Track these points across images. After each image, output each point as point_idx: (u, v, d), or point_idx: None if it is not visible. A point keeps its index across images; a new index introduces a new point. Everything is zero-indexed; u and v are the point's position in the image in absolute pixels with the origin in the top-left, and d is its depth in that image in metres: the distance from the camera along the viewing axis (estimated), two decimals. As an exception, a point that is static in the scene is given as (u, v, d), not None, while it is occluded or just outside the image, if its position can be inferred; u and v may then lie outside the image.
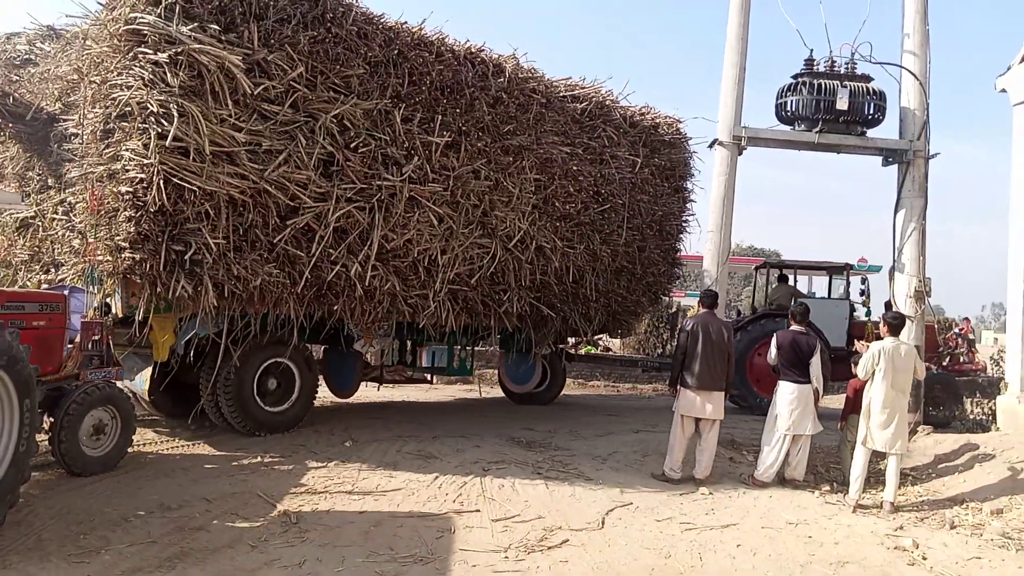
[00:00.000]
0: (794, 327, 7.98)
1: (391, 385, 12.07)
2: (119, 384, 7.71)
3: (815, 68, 9.67)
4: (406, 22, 9.12)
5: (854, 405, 7.75)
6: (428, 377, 12.25)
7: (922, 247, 9.20)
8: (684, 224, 13.50)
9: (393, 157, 8.73)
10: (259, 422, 8.96)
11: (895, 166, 9.81)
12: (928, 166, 9.45)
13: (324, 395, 10.83)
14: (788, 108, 9.73)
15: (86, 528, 5.39)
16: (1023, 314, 8.97)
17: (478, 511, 6.35)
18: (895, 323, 7.23)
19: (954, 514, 6.88)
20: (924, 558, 5.80)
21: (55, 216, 8.29)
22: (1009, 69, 9.15)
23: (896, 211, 9.54)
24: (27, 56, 9.44)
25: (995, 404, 9.95)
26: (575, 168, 10.88)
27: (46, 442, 6.81)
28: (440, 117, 9.11)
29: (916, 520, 6.78)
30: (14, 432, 5.22)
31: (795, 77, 9.68)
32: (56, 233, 8.34)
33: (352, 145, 8.37)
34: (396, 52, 8.79)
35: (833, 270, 14.72)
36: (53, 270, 8.55)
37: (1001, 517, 6.66)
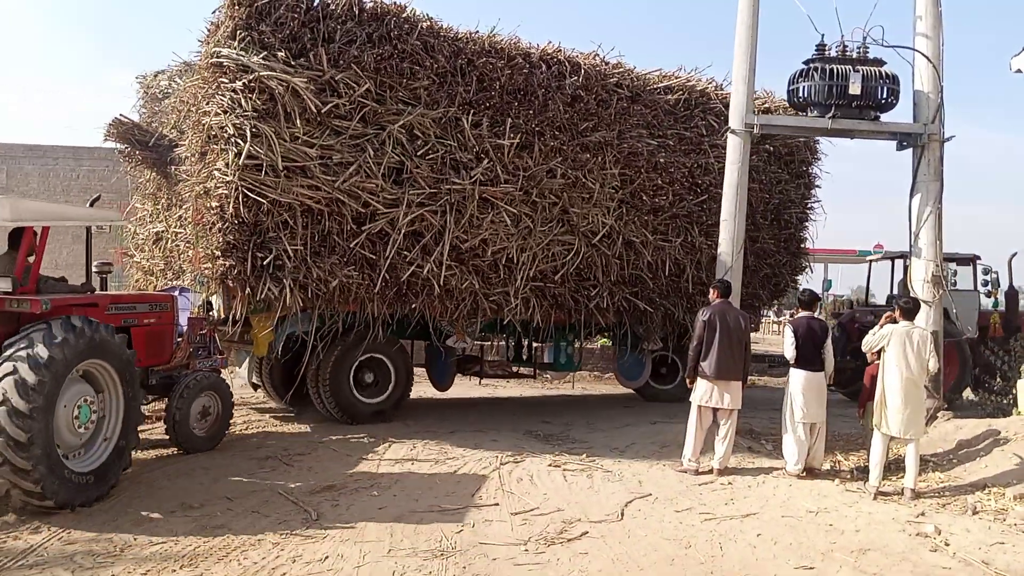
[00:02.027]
0: (804, 313, 7.84)
1: (494, 380, 12.49)
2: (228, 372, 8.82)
3: (826, 53, 9.08)
4: (476, 31, 9.51)
5: (871, 393, 7.43)
6: (533, 372, 12.52)
7: (939, 231, 8.94)
8: (808, 212, 12.78)
9: (462, 161, 9.13)
10: (356, 412, 9.73)
11: (910, 150, 9.43)
12: (943, 149, 9.10)
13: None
14: (800, 94, 9.16)
15: (110, 528, 5.56)
16: None
17: (497, 505, 6.42)
18: (907, 307, 7.13)
19: (976, 499, 6.69)
20: (947, 544, 5.66)
21: (177, 230, 9.56)
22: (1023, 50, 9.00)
23: (912, 195, 9.30)
24: (167, 91, 10.90)
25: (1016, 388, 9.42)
26: (663, 160, 10.69)
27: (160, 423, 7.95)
28: (511, 120, 9.38)
29: (938, 506, 6.64)
30: (121, 407, 6.43)
31: (806, 63, 9.19)
32: (179, 244, 9.61)
33: (421, 152, 8.88)
34: (465, 61, 9.18)
35: (960, 261, 14.09)
36: (180, 277, 9.83)
37: None
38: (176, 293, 8.62)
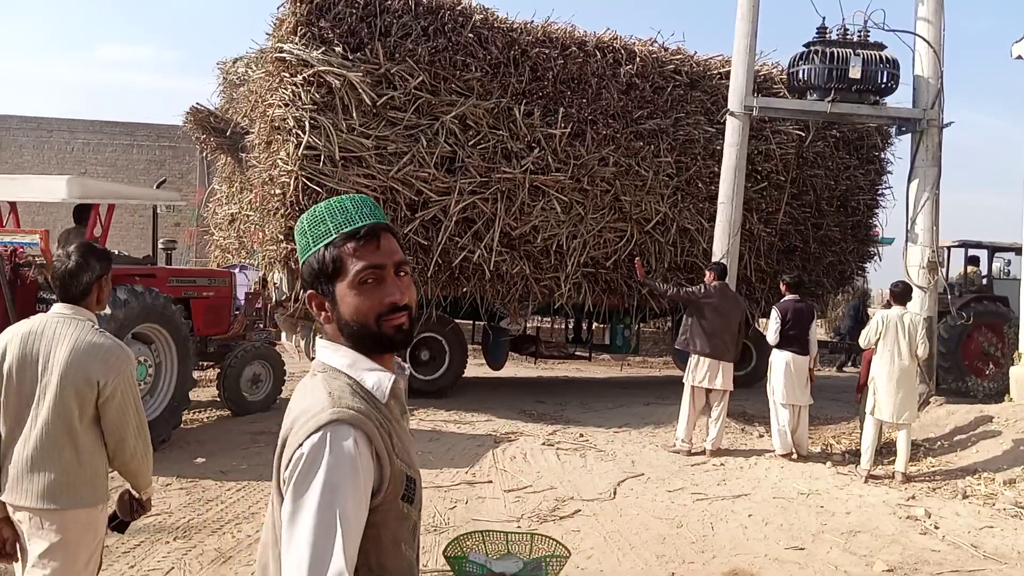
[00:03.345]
0: (790, 296, 7.77)
1: (549, 361, 12.77)
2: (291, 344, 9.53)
3: (827, 36, 8.75)
4: (531, 20, 9.66)
5: (867, 376, 7.34)
6: (588, 354, 12.73)
7: (935, 217, 8.82)
8: (878, 198, 12.41)
9: (514, 150, 9.36)
10: (412, 387, 10.22)
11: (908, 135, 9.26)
12: (942, 135, 8.95)
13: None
14: (800, 77, 8.88)
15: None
16: None
17: (491, 482, 6.48)
18: (898, 292, 7.17)
19: (966, 484, 6.75)
20: (936, 527, 5.72)
21: (248, 212, 10.20)
22: None
23: (909, 181, 9.15)
24: (244, 77, 11.52)
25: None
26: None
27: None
28: (563, 109, 9.53)
29: (928, 490, 6.69)
30: (175, 369, 7.14)
31: (807, 46, 8.90)
32: (249, 226, 10.26)
33: (473, 142, 9.16)
34: (518, 52, 9.36)
35: (1017, 251, 13.46)
36: (251, 256, 10.50)
37: (1014, 487, 6.55)
38: (235, 270, 9.28)
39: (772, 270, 11.57)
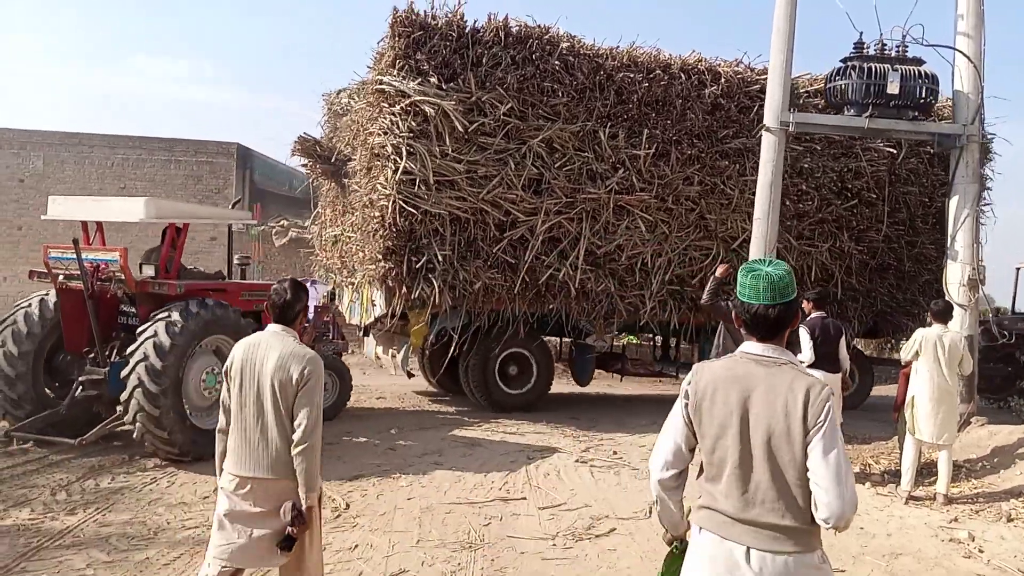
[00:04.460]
0: (816, 313, 7.48)
1: (635, 378, 12.90)
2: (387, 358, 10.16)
3: (865, 51, 8.51)
4: (617, 46, 9.98)
5: (904, 395, 7.10)
6: (675, 372, 12.79)
7: (976, 234, 8.66)
8: (978, 214, 12.02)
9: (598, 171, 9.68)
10: (499, 402, 10.61)
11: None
12: (982, 151, 8.78)
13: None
14: (837, 93, 8.66)
15: (145, 512, 5.77)
16: None
17: (524, 499, 6.44)
18: (937, 310, 7.01)
19: (1011, 507, 6.50)
20: (980, 551, 5.57)
21: (350, 234, 10.87)
22: None
23: (949, 197, 8.93)
24: (347, 108, 12.30)
25: None
26: (808, 165, 10.61)
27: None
28: (647, 130, 9.79)
29: (971, 512, 6.49)
30: None
31: (844, 61, 8.67)
32: (350, 247, 10.93)
33: (559, 164, 9.54)
34: (603, 76, 9.71)
35: None
36: (352, 275, 11.16)
37: None
38: (308, 284, 9.96)
39: (865, 288, 11.41)
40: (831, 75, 9.01)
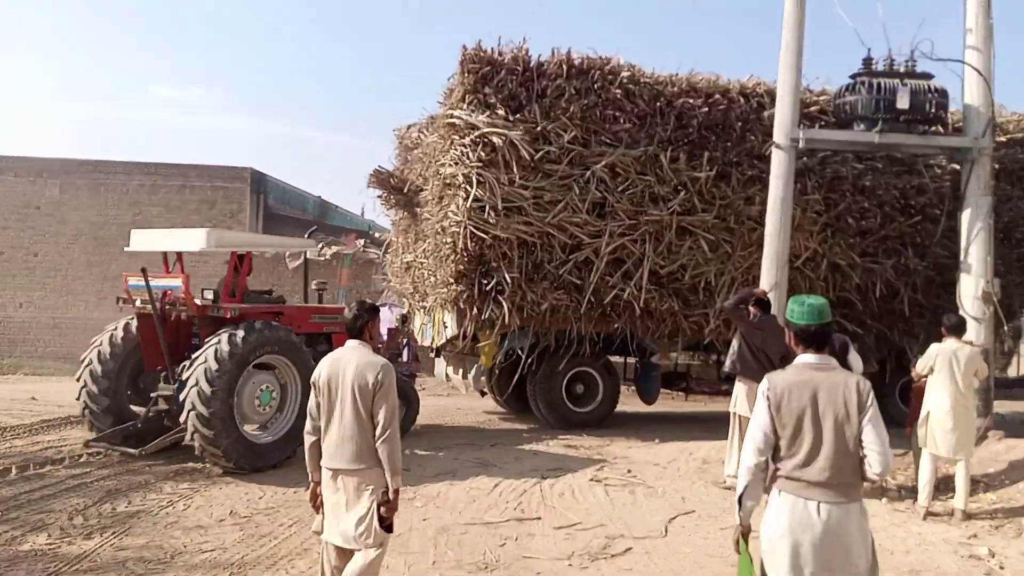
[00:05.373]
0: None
1: (699, 397, 13.04)
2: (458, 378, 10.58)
3: (873, 67, 8.48)
4: (676, 73, 10.34)
5: (919, 410, 7.01)
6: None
7: (989, 247, 8.61)
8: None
9: (660, 194, 10.00)
10: (567, 420, 10.92)
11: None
12: (994, 164, 8.78)
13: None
14: (847, 108, 8.64)
15: (161, 536, 5.79)
16: None
17: (539, 519, 6.41)
18: (951, 325, 6.95)
19: None
20: (1001, 567, 5.49)
21: (422, 260, 11.41)
22: None
23: (961, 211, 8.88)
24: (417, 141, 12.92)
25: None
26: (870, 183, 10.71)
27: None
28: (708, 153, 10.09)
29: (990, 528, 6.42)
30: (299, 395, 8.00)
31: (853, 76, 8.64)
32: (423, 272, 11.45)
33: (621, 188, 9.90)
34: (664, 103, 10.07)
35: None
36: (424, 299, 11.67)
37: None
38: (383, 307, 10.47)
39: (932, 305, 11.36)
40: (840, 91, 9.11)
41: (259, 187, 19.48)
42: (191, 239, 8.48)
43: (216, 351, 7.45)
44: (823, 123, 10.27)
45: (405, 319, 10.99)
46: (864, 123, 8.82)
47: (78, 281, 18.46)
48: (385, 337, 10.28)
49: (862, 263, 10.86)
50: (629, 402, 13.55)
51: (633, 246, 10.03)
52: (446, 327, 10.60)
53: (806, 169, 10.51)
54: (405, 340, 10.92)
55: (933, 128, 8.98)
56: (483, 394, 11.84)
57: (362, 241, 18.71)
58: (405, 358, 10.69)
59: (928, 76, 8.82)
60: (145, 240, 8.87)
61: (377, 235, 20.50)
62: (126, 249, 9.02)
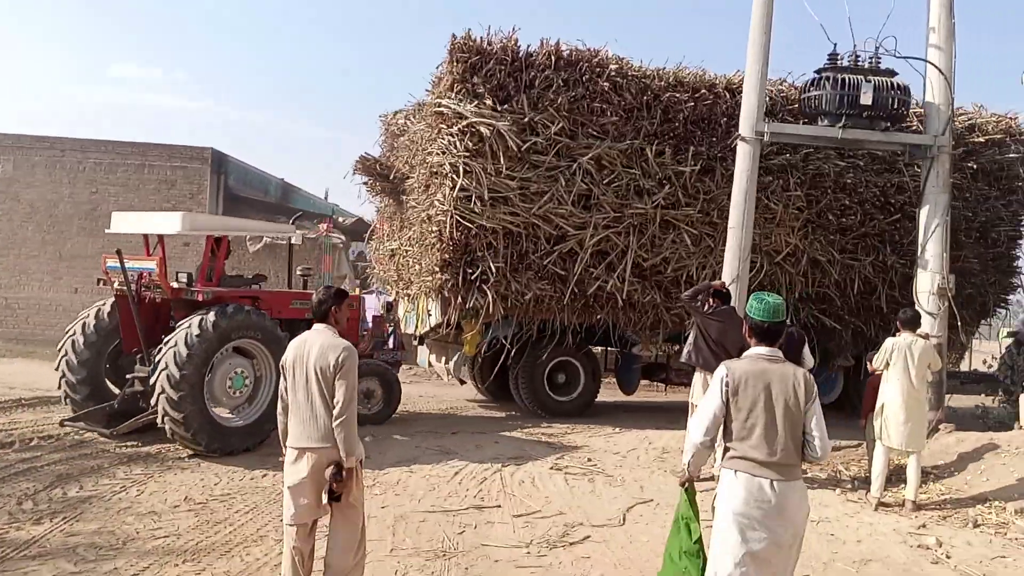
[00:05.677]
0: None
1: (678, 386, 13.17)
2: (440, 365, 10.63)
3: (839, 62, 8.64)
4: (663, 67, 10.41)
5: (873, 402, 7.21)
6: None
7: (946, 244, 8.80)
8: (1021, 230, 12.15)
9: (645, 187, 10.09)
10: (548, 408, 11.05)
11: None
12: (952, 161, 8.98)
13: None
14: (811, 103, 8.80)
15: (113, 521, 5.70)
16: None
17: (499, 506, 6.43)
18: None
19: (977, 513, 6.67)
20: (948, 556, 5.68)
21: (407, 247, 11.43)
22: None
23: (920, 207, 9.06)
24: (403, 128, 12.90)
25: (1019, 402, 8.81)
26: (851, 180, 10.87)
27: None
28: (693, 148, 10.18)
29: (939, 519, 6.61)
30: (273, 379, 7.98)
31: (819, 72, 8.79)
32: (407, 260, 11.48)
33: (607, 181, 9.97)
34: (651, 96, 10.13)
35: None
36: (408, 287, 11.71)
37: None
38: (373, 295, 10.50)
39: (909, 302, 11.54)
40: (806, 86, 9.19)
41: (220, 168, 18.83)
42: (167, 222, 8.50)
43: (186, 335, 7.49)
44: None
45: (390, 306, 11.03)
46: (828, 118, 8.87)
47: (32, 260, 17.85)
48: (370, 324, 10.32)
49: (841, 259, 11.04)
50: (604, 391, 13.72)
51: (617, 238, 10.12)
52: (430, 315, 10.65)
53: (789, 166, 10.66)
54: (391, 327, 10.97)
55: (896, 125, 9.09)
56: (462, 382, 11.91)
57: (324, 226, 18.54)
58: (391, 345, 10.73)
59: (892, 73, 8.90)
60: (125, 222, 8.88)
61: (341, 219, 20.39)
62: (106, 231, 9.01)
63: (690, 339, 7.99)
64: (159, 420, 7.53)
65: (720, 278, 8.99)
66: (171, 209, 16.64)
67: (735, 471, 3.53)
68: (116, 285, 8.33)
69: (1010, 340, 13.44)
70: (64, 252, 17.56)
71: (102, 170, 18.05)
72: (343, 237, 18.13)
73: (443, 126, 9.66)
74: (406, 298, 11.83)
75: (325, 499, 4.02)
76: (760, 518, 3.44)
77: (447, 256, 9.74)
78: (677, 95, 10.21)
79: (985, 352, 15.92)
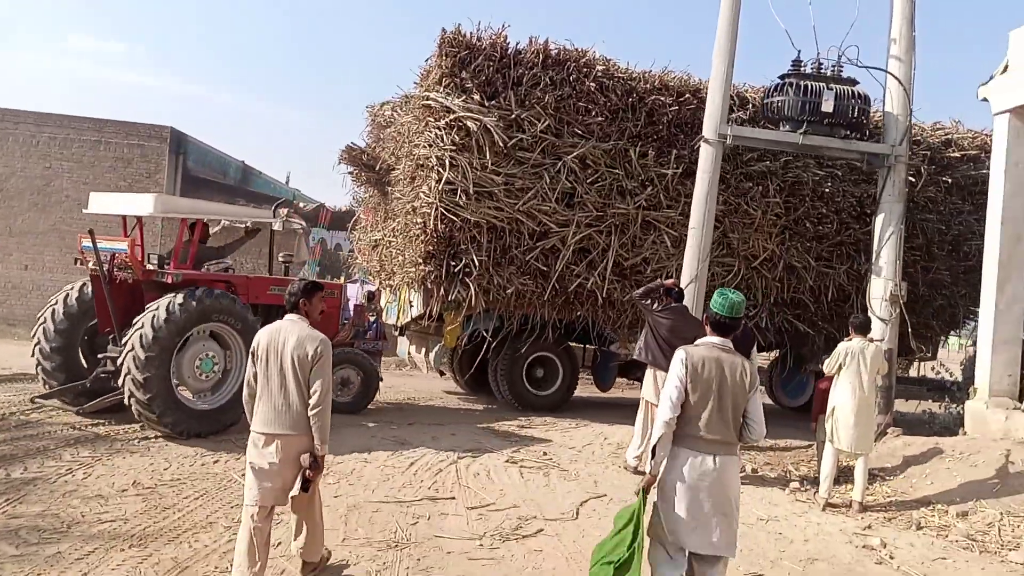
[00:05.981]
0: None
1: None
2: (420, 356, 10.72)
3: (802, 69, 8.91)
4: (649, 70, 10.58)
5: (823, 406, 7.42)
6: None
7: (899, 251, 9.15)
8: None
9: (628, 188, 10.25)
10: (527, 402, 11.19)
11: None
12: (908, 171, 9.31)
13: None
14: (774, 108, 9.05)
15: (58, 504, 5.57)
16: (992, 324, 8.77)
17: (453, 498, 6.44)
18: (858, 324, 7.34)
19: (921, 515, 6.87)
20: (891, 557, 5.84)
21: (390, 238, 11.52)
22: (991, 79, 8.93)
23: (875, 215, 9.41)
24: (391, 120, 12.98)
25: (963, 408, 9.13)
26: (829, 189, 11.10)
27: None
28: (676, 151, 10.36)
29: (884, 520, 6.79)
30: (244, 363, 7.85)
31: (782, 77, 9.04)
32: (391, 251, 11.57)
33: (591, 180, 10.13)
34: (636, 99, 10.30)
35: None
36: (391, 277, 11.79)
37: (966, 519, 6.70)
38: (357, 284, 10.57)
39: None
40: (769, 91, 9.36)
41: (179, 147, 18.40)
42: (139, 203, 8.53)
43: (153, 317, 7.54)
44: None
45: (372, 296, 11.12)
46: (790, 124, 9.06)
47: (-20, 235, 17.42)
48: (352, 314, 10.40)
49: (817, 266, 11.27)
50: (580, 387, 13.80)
51: (599, 237, 10.28)
52: (412, 306, 10.75)
53: (769, 172, 10.88)
54: (373, 318, 11.04)
55: (855, 133, 9.28)
56: (442, 374, 12.02)
57: (284, 211, 18.48)
58: (373, 335, 10.81)
59: (853, 82, 9.10)
60: (101, 203, 8.92)
61: (302, 205, 20.25)
62: (84, 211, 9.04)
63: (641, 337, 8.14)
64: (126, 400, 7.59)
65: (722, 282, 9.17)
66: (127, 188, 16.60)
67: (681, 448, 3.89)
68: (91, 265, 8.35)
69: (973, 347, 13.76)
70: (14, 228, 17.21)
71: (56, 145, 17.57)
72: (303, 223, 18.10)
73: (430, 119, 9.77)
74: (388, 289, 11.92)
75: (297, 489, 4.15)
76: (706, 490, 3.84)
77: (431, 248, 9.84)
78: (662, 98, 10.38)
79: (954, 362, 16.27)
